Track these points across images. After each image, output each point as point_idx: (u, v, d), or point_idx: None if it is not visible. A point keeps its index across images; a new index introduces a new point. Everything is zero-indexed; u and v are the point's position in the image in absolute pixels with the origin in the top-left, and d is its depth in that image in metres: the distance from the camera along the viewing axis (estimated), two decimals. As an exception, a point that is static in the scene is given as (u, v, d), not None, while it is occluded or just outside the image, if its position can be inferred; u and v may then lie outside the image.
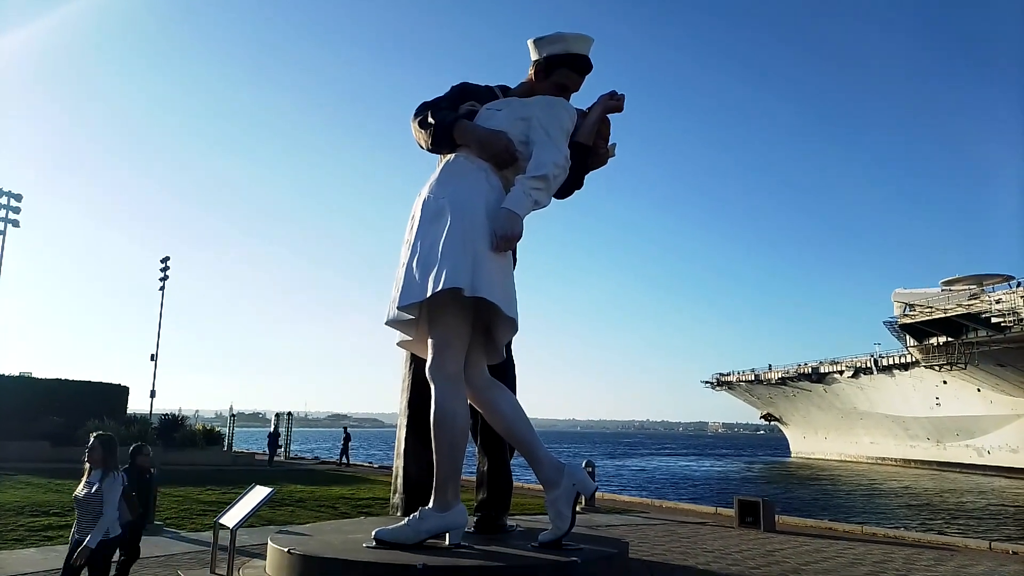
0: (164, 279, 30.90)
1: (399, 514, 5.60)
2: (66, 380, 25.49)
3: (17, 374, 25.45)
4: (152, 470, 6.31)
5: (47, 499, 10.81)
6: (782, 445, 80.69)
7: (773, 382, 67.75)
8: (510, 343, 6.26)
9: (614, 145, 4.92)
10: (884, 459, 58.91)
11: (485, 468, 6.85)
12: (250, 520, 5.95)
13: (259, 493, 4.85)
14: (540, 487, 4.29)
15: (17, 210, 23.85)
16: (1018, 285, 44.12)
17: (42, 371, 34.19)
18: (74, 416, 22.12)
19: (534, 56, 4.66)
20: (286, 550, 4.90)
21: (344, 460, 26.60)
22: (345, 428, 28.53)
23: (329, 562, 4.53)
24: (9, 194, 23.58)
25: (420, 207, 4.08)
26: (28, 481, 13.72)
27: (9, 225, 23.54)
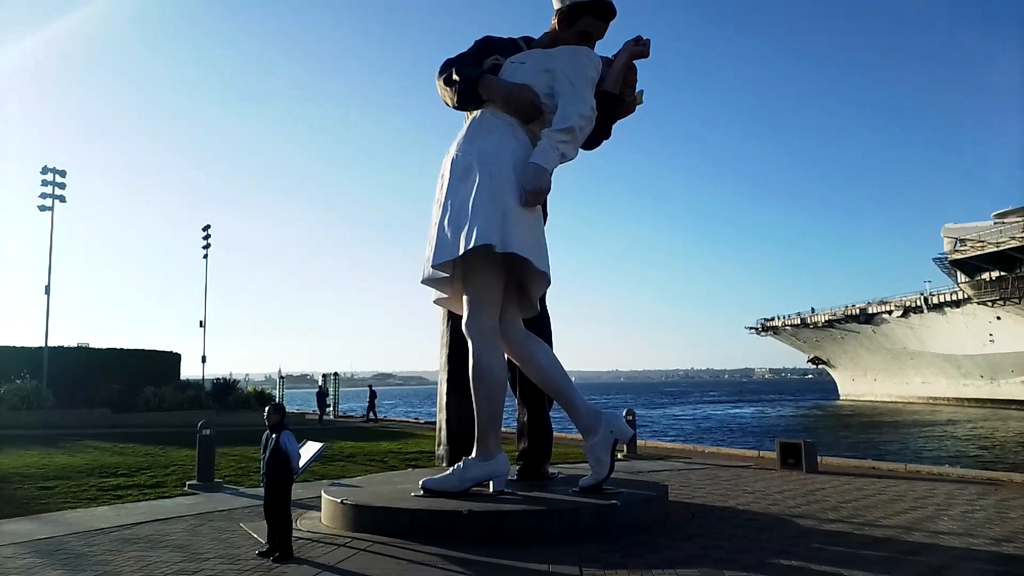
0: (207, 247, 31.53)
1: (444, 464, 5.82)
2: (121, 349, 26.45)
3: (75, 345, 26.43)
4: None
5: (113, 461, 11.33)
6: (830, 388, 79.87)
7: (820, 325, 66.76)
8: (544, 296, 6.37)
9: (641, 92, 4.85)
10: (936, 399, 57.99)
11: (525, 419, 7.02)
12: (304, 475, 6.20)
13: (312, 447, 5.10)
14: (577, 437, 4.39)
15: (63, 186, 24.46)
16: (1075, 215, 42.49)
17: (98, 342, 35.47)
18: (131, 383, 23.04)
19: (556, 4, 4.61)
20: (339, 501, 5.13)
21: (372, 416, 27.15)
22: (370, 386, 29.11)
23: (379, 511, 4.76)
24: (54, 171, 24.16)
25: (449, 166, 4.14)
26: (94, 445, 14.37)
27: (56, 201, 24.17)
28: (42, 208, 24.04)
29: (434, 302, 5.01)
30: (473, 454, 5.04)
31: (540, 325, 5.62)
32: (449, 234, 4.16)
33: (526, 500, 5.21)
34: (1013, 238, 43.96)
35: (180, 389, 24.47)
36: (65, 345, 25.62)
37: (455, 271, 4.31)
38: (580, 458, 10.59)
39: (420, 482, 5.12)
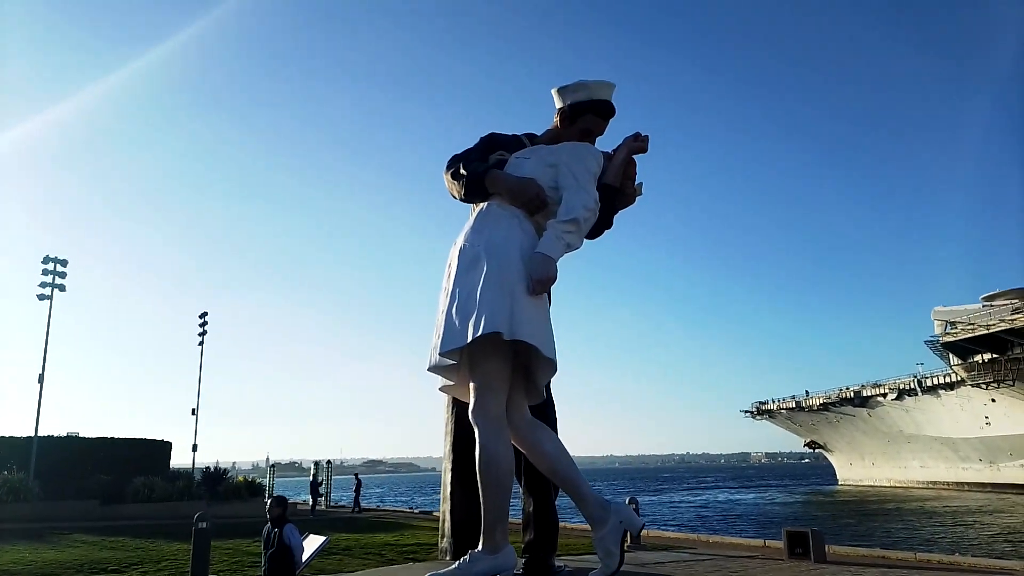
0: (203, 334, 31.51)
1: (448, 558, 5.64)
2: (111, 438, 26.06)
3: (65, 435, 26.00)
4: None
5: (104, 556, 11.01)
6: (828, 473, 78.72)
7: (815, 408, 66.44)
8: (549, 383, 6.34)
9: (640, 184, 5.04)
10: (936, 483, 57.18)
11: (531, 508, 6.84)
12: (303, 571, 6.03)
13: (314, 541, 4.96)
14: (584, 526, 4.31)
15: (63, 275, 24.67)
16: (1060, 297, 43.11)
17: (88, 430, 34.88)
18: (121, 473, 22.58)
19: (558, 104, 4.81)
20: (341, 598, 4.94)
21: (357, 507, 26.67)
22: (356, 475, 28.73)
23: (385, 609, 4.58)
24: (55, 260, 24.41)
25: (456, 255, 4.21)
26: (83, 540, 13.99)
27: (56, 290, 24.30)
28: (41, 297, 24.17)
29: (440, 389, 4.98)
30: (479, 547, 4.91)
31: (545, 412, 5.57)
32: (457, 322, 4.17)
33: (534, 595, 5.04)
34: (1003, 320, 44.45)
35: (170, 479, 24.02)
36: (54, 435, 25.30)
37: (462, 358, 4.32)
38: (583, 549, 10.34)
39: (425, 577, 4.99)
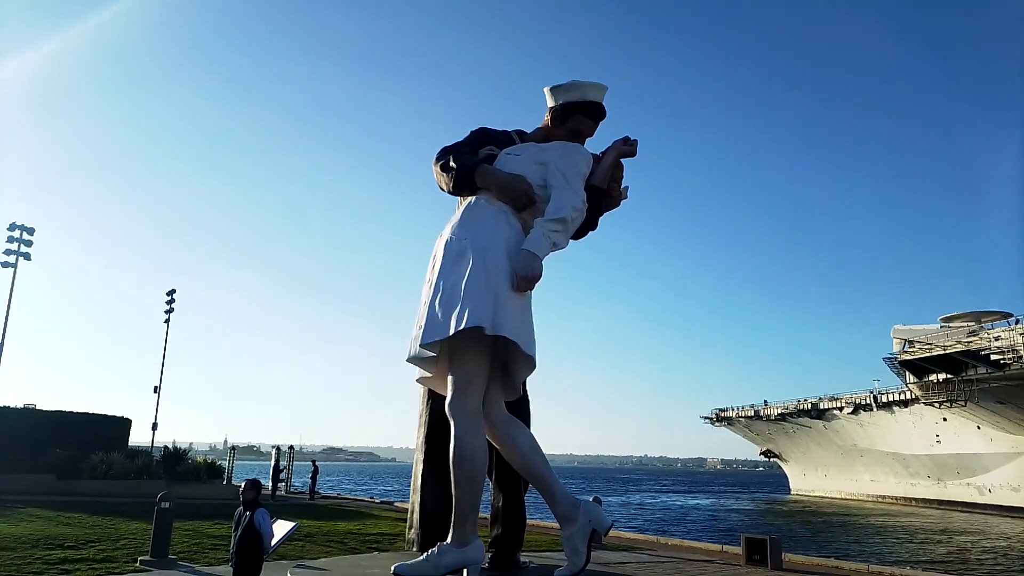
0: (169, 311, 31.02)
1: (415, 549, 5.64)
2: (70, 412, 25.60)
3: (22, 406, 25.46)
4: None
5: (60, 532, 10.81)
6: (781, 482, 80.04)
7: (772, 418, 67.51)
8: (526, 380, 6.34)
9: (626, 188, 5.10)
10: (885, 497, 58.49)
11: (500, 504, 6.86)
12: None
13: (283, 527, 4.92)
14: (548, 524, 4.33)
15: (29, 243, 24.13)
16: (1016, 323, 44.34)
17: (46, 403, 34.29)
18: (78, 448, 22.16)
19: (550, 103, 4.83)
20: (307, 585, 4.92)
21: (312, 493, 26.66)
22: (313, 461, 28.75)
23: (351, 597, 4.57)
24: (22, 227, 23.87)
25: (442, 248, 4.22)
26: (38, 514, 13.71)
27: (21, 258, 23.78)
28: (5, 265, 23.62)
29: (417, 380, 4.99)
30: (448, 539, 4.92)
31: (520, 408, 5.59)
32: (440, 314, 4.17)
33: (502, 590, 5.06)
34: (959, 342, 45.56)
35: (129, 457, 23.64)
36: (11, 406, 24.74)
37: (442, 351, 4.33)
38: (547, 546, 10.42)
39: (392, 567, 4.96)
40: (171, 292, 31.49)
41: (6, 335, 23.24)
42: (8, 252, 23.80)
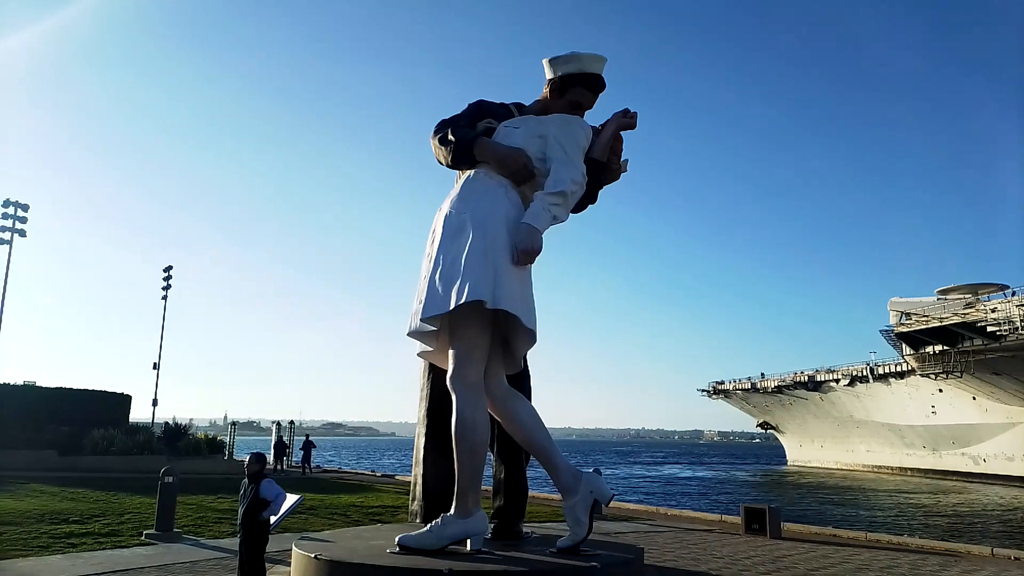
0: (167, 288, 30.99)
1: (418, 521, 5.70)
2: (70, 389, 25.63)
3: (22, 383, 25.53)
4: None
5: (64, 507, 10.88)
6: (778, 454, 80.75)
7: (769, 390, 67.91)
8: (527, 354, 6.37)
9: (626, 161, 5.07)
10: (880, 467, 59.05)
11: (502, 476, 6.95)
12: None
13: (289, 499, 4.95)
14: (549, 496, 4.36)
15: (24, 220, 24.05)
16: (1013, 294, 44.40)
17: (46, 380, 34.33)
18: (79, 425, 22.25)
19: (549, 75, 4.78)
20: (313, 555, 5.00)
21: (307, 467, 26.79)
22: (307, 435, 28.83)
23: (357, 567, 4.61)
24: (16, 204, 23.76)
25: (442, 222, 4.21)
26: (41, 489, 13.79)
27: (16, 235, 23.71)
28: (0, 242, 23.56)
29: (418, 354, 5.00)
30: (451, 511, 4.96)
31: (521, 382, 5.62)
32: (440, 288, 4.17)
33: (505, 560, 5.10)
34: (955, 314, 45.66)
35: (130, 433, 23.73)
36: (11, 383, 24.79)
37: (442, 325, 4.33)
38: (549, 517, 10.53)
39: (396, 538, 5.01)
40: (168, 268, 31.43)
41: (4, 313, 23.22)
42: (3, 229, 23.71)
